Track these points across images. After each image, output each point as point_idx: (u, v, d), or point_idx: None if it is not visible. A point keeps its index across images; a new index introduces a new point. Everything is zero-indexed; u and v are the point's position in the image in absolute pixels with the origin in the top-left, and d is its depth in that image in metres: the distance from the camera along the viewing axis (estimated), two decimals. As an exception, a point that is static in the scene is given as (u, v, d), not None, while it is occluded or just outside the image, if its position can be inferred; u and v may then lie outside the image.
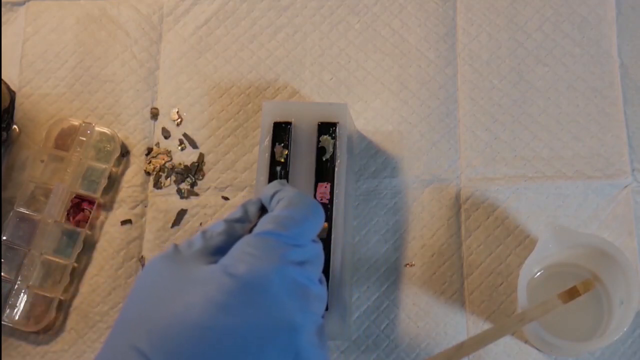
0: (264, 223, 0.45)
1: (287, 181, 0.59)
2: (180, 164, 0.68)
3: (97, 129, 0.68)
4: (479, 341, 0.51)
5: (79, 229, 0.65)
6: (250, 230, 0.48)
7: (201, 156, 0.68)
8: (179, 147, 0.69)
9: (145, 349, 0.39)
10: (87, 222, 0.65)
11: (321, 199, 0.58)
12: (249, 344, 0.40)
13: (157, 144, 0.69)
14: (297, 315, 0.42)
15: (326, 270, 0.56)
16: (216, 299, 0.40)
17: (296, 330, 0.42)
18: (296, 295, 0.43)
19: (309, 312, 0.43)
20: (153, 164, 0.68)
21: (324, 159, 0.60)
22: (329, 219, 0.58)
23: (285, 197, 0.47)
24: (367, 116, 0.68)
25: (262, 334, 0.40)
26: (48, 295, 0.64)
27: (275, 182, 0.50)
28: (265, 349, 0.40)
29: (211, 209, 0.66)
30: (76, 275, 0.66)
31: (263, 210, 0.50)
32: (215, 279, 0.41)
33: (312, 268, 0.45)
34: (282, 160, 0.60)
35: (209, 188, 0.67)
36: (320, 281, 0.46)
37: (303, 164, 0.60)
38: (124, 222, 0.67)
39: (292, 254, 0.43)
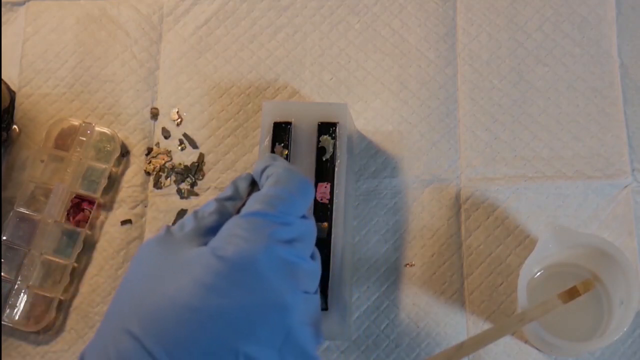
0: (252, 203, 0.45)
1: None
2: (180, 164, 0.68)
3: (97, 129, 0.68)
4: (479, 341, 0.51)
5: (79, 229, 0.65)
6: (240, 209, 0.47)
7: (201, 156, 0.68)
8: (179, 147, 0.69)
9: (137, 331, 0.40)
10: (87, 222, 0.65)
11: (321, 199, 0.58)
12: (239, 325, 0.40)
13: (157, 144, 0.69)
14: (287, 294, 0.42)
15: (326, 270, 0.56)
16: (205, 281, 0.41)
17: (286, 310, 0.42)
18: (285, 274, 0.43)
19: (298, 290, 0.43)
20: (153, 164, 0.68)
21: (324, 159, 0.59)
22: (329, 219, 0.58)
23: (274, 174, 0.47)
24: (367, 116, 0.68)
25: (252, 314, 0.41)
26: (48, 295, 0.64)
27: (266, 156, 0.50)
28: (256, 329, 0.40)
29: (211, 209, 0.66)
30: (76, 275, 0.66)
31: (254, 185, 0.50)
32: (204, 261, 0.42)
33: (302, 245, 0.44)
34: (282, 160, 0.60)
35: (209, 188, 0.67)
36: (312, 257, 0.46)
37: (303, 164, 0.60)
38: (124, 222, 0.67)
39: (280, 232, 0.43)
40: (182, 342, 0.39)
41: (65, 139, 0.68)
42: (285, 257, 0.43)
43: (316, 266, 0.46)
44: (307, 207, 0.46)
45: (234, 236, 0.43)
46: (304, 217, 0.46)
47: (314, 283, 0.45)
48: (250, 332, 0.40)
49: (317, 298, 0.46)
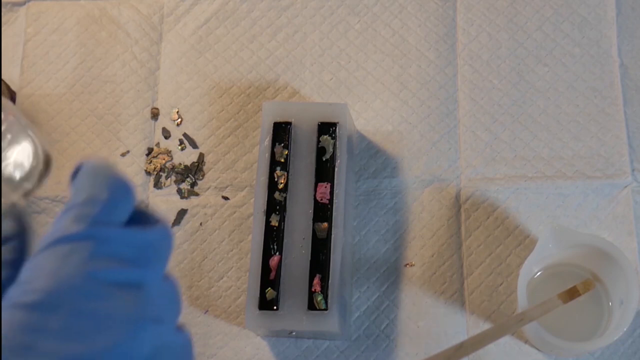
0: (55, 225, 0.35)
1: (287, 181, 0.59)
2: (180, 164, 0.68)
3: None
4: (479, 341, 0.51)
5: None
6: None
7: (201, 156, 0.68)
8: (179, 147, 0.69)
9: None
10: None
11: (321, 199, 0.58)
12: None
13: (158, 144, 0.69)
14: (129, 327, 0.32)
15: (326, 270, 0.56)
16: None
17: (127, 356, 0.32)
18: (121, 303, 0.33)
19: (145, 321, 0.33)
20: (153, 164, 0.68)
21: (324, 159, 0.60)
22: (328, 219, 0.58)
23: (77, 180, 0.36)
24: (367, 116, 0.68)
25: None
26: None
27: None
28: None
29: (211, 208, 0.66)
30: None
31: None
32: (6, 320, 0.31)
33: (142, 260, 0.34)
34: (282, 160, 0.60)
35: (209, 188, 0.67)
36: (165, 278, 0.36)
37: (303, 164, 0.60)
38: (124, 222, 0.67)
39: (100, 251, 0.33)
40: None
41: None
42: (114, 279, 0.33)
43: (168, 288, 0.36)
44: (129, 210, 0.36)
45: (40, 276, 0.32)
46: (136, 229, 0.35)
47: (171, 310, 0.35)
48: None
49: (175, 332, 0.35)
